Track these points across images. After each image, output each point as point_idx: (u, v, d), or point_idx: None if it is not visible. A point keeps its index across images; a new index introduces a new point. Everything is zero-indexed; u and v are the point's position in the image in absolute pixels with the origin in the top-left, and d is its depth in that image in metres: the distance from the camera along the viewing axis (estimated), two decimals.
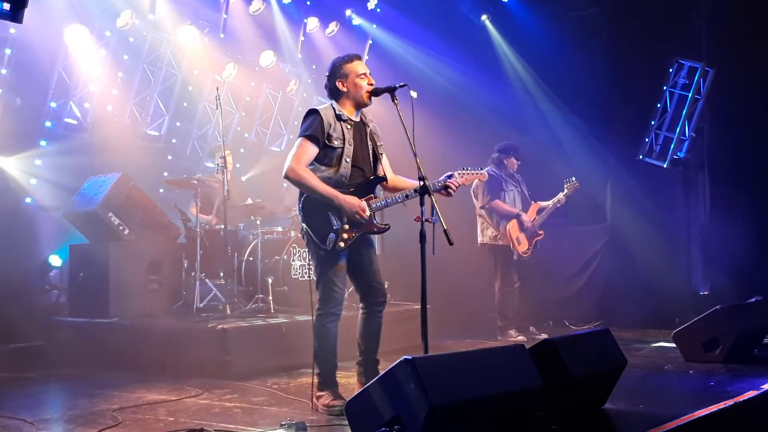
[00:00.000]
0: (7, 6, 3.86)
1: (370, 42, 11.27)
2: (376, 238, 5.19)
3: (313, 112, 4.89)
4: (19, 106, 8.41)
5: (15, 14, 3.94)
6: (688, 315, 8.31)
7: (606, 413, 4.61)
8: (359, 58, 5.06)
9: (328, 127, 4.83)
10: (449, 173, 5.00)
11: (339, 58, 5.04)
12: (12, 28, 8.01)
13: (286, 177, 4.78)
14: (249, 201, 8.68)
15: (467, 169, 5.12)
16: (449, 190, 4.93)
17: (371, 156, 5.04)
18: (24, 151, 8.48)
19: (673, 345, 6.94)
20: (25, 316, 7.40)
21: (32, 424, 4.67)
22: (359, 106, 4.99)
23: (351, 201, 4.76)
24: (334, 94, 5.00)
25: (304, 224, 4.88)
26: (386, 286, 8.52)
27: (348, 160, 4.88)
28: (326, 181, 4.80)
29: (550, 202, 8.63)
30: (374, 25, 11.17)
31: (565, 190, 8.61)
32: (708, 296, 9.38)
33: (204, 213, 8.50)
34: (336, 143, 4.85)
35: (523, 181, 8.84)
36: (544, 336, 8.31)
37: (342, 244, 4.80)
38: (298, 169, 4.74)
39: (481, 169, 5.30)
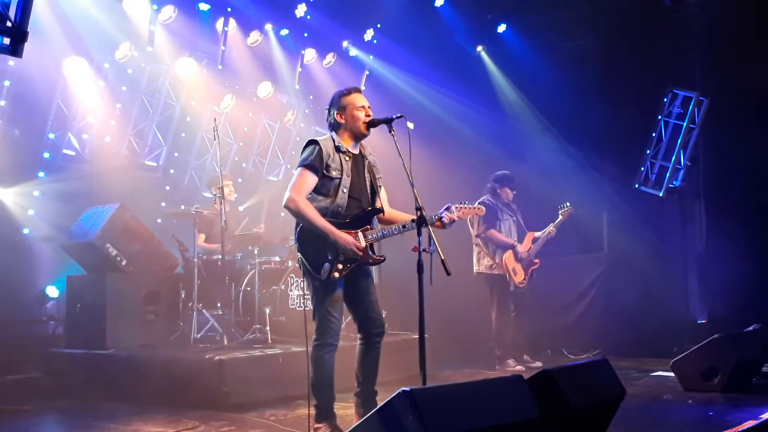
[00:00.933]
0: (7, 41, 3.91)
1: (367, 73, 11.38)
2: (373, 269, 5.19)
3: (312, 143, 4.94)
4: (18, 138, 8.45)
5: (15, 49, 3.99)
6: (686, 344, 8.30)
7: None
8: (359, 91, 5.10)
9: (327, 158, 4.86)
10: (447, 205, 5.01)
11: (338, 92, 5.09)
12: (11, 60, 8.06)
13: (286, 207, 4.81)
14: (255, 229, 8.71)
15: (465, 203, 5.14)
16: (443, 221, 4.93)
17: (369, 188, 5.06)
18: (22, 183, 8.50)
19: (672, 374, 6.94)
20: (22, 347, 7.39)
21: None
22: (357, 138, 5.02)
23: (346, 238, 4.77)
24: (334, 126, 5.04)
25: (299, 254, 4.89)
26: (384, 315, 8.54)
27: (345, 191, 4.90)
28: (323, 211, 4.83)
29: (543, 232, 8.67)
30: (371, 56, 11.28)
31: (560, 216, 8.65)
32: (706, 325, 9.36)
33: (209, 242, 8.52)
34: (334, 174, 4.88)
35: (519, 210, 8.87)
36: (538, 364, 8.32)
37: (336, 275, 4.80)
38: (298, 201, 4.77)
39: (477, 203, 5.31)
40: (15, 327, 7.71)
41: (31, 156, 8.67)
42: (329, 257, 4.79)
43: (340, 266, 4.80)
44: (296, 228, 4.92)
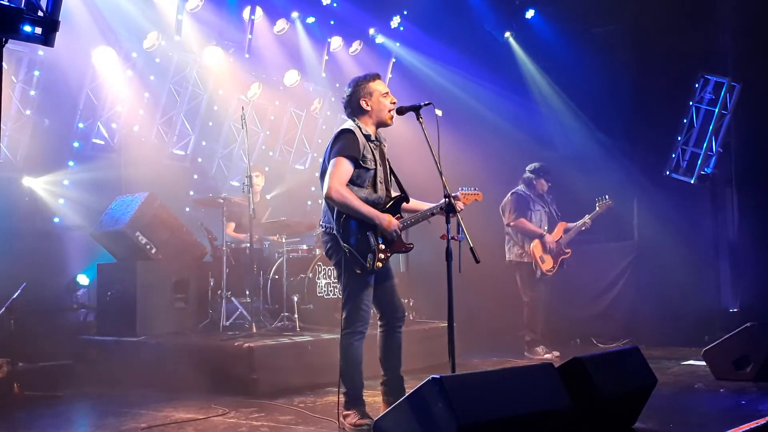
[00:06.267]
0: (38, 30, 3.93)
1: (394, 60, 11.35)
2: (400, 257, 5.18)
3: (348, 132, 4.83)
4: (48, 127, 8.54)
5: (46, 38, 4.01)
6: (717, 332, 8.21)
7: None
8: (380, 77, 5.06)
9: (363, 148, 4.81)
10: (453, 194, 4.89)
11: (360, 77, 5.02)
12: (40, 50, 8.14)
13: (329, 197, 4.70)
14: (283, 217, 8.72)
15: (463, 189, 5.11)
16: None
17: (391, 175, 5.05)
18: (52, 172, 8.59)
19: (703, 363, 6.88)
20: (53, 334, 7.46)
21: None
22: (380, 125, 4.98)
23: (390, 220, 4.77)
24: (356, 112, 4.97)
25: (344, 244, 4.75)
26: (411, 303, 8.53)
27: (381, 181, 4.88)
28: (363, 201, 4.80)
29: (577, 223, 8.60)
30: (397, 44, 11.25)
31: (597, 209, 8.57)
32: (737, 313, 9.26)
33: (239, 232, 8.55)
34: (369, 165, 4.83)
35: (553, 201, 8.80)
36: (555, 353, 8.26)
37: (379, 264, 4.78)
38: (341, 190, 4.69)
39: (511, 193, 5.24)
40: (46, 315, 7.81)
41: (61, 145, 8.77)
42: (372, 247, 4.76)
43: (382, 255, 4.79)
44: (338, 219, 4.78)
